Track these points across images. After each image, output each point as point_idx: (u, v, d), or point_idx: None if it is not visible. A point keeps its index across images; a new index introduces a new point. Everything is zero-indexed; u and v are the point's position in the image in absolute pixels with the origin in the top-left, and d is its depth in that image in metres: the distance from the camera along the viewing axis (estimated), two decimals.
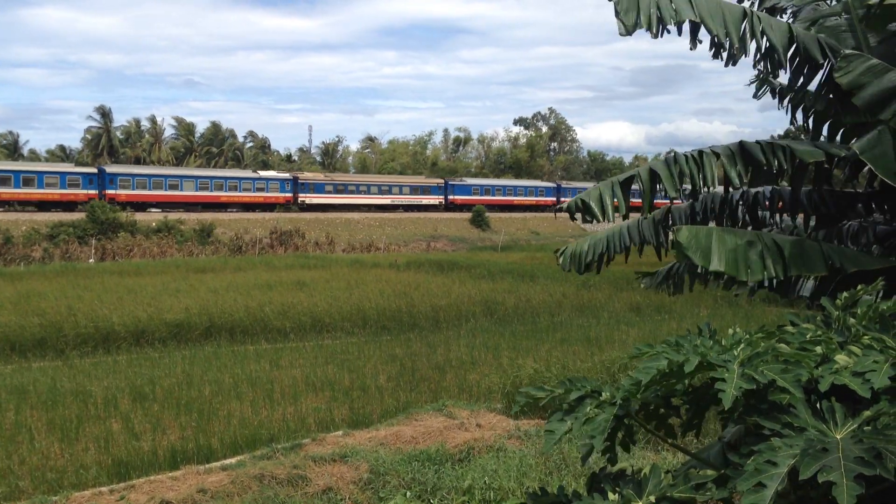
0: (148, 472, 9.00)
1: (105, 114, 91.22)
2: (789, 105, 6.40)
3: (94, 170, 61.73)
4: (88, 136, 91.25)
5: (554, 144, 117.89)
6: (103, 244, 46.10)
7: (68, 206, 56.46)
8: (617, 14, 4.95)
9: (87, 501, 7.94)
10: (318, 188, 69.30)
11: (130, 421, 11.36)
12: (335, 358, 16.28)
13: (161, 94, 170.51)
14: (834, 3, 6.23)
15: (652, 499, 2.78)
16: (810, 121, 6.26)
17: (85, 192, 57.44)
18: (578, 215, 5.71)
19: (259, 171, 71.57)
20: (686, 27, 5.09)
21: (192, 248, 48.00)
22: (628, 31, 4.95)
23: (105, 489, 8.29)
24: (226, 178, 66.07)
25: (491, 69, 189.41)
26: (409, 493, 7.98)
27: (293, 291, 24.84)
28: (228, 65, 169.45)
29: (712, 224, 6.14)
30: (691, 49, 5.35)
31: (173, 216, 54.46)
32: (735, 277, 4.64)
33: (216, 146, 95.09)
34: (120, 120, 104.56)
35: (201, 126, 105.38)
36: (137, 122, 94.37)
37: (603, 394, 3.15)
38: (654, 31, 4.98)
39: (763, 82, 6.73)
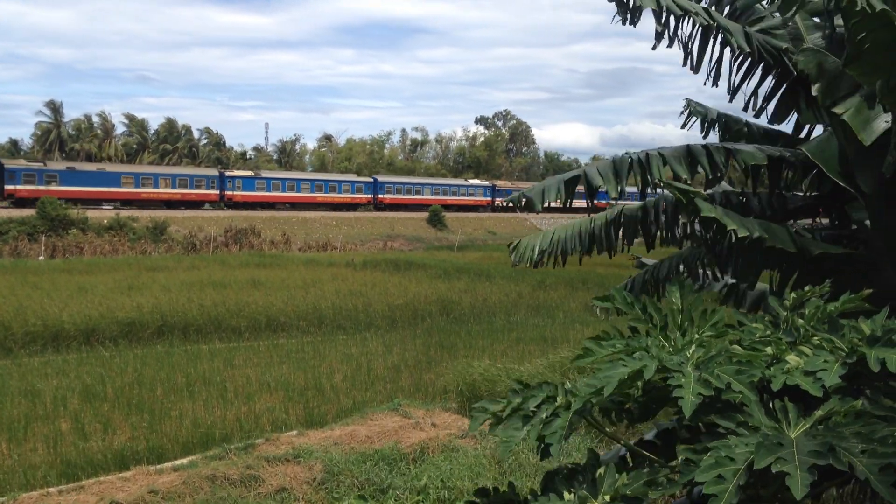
0: (98, 473, 8.87)
1: (56, 109, 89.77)
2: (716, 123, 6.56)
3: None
4: (39, 132, 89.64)
5: (513, 146, 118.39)
6: (54, 241, 45.28)
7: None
8: None
9: (36, 502, 7.79)
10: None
11: (80, 421, 11.18)
12: (290, 357, 16.19)
13: (113, 89, 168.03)
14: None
15: (607, 498, 2.80)
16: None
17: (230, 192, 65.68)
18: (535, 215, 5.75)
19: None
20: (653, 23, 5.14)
21: (145, 245, 47.32)
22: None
23: (54, 490, 8.15)
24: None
25: (448, 69, 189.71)
26: (362, 493, 7.95)
27: (248, 290, 24.65)
28: (183, 61, 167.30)
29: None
30: (653, 49, 5.41)
31: (125, 213, 53.67)
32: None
33: (171, 143, 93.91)
34: (72, 115, 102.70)
35: (155, 122, 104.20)
36: (89, 117, 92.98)
37: (558, 398, 3.16)
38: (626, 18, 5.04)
39: (692, 113, 6.84)
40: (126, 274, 29.26)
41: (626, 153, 5.43)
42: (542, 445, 3.03)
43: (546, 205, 5.58)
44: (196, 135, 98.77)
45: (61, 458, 9.50)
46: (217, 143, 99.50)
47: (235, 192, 66.89)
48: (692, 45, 5.60)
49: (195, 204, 64.98)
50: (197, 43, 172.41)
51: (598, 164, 5.61)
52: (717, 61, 5.84)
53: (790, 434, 2.60)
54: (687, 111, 6.81)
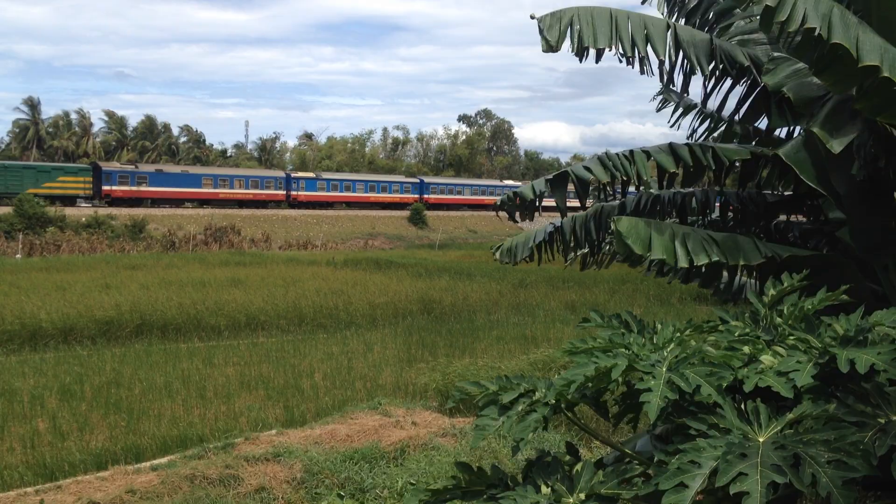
0: (75, 473, 8.81)
1: (33, 105, 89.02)
2: (699, 116, 6.60)
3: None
4: (16, 129, 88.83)
5: (493, 144, 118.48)
6: (31, 239, 44.91)
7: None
8: (540, 31, 5.00)
9: (13, 502, 7.73)
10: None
11: (58, 420, 11.10)
12: (270, 356, 16.13)
13: (91, 86, 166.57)
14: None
15: (582, 496, 2.81)
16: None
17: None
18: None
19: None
20: (610, 45, 5.15)
21: (124, 243, 47.05)
22: (551, 47, 5.00)
23: (31, 489, 8.09)
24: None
25: (429, 67, 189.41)
26: (342, 492, 7.94)
27: (228, 289, 24.53)
28: (161, 57, 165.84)
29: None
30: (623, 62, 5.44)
31: (103, 211, 53.30)
32: (674, 265, 4.69)
33: (150, 140, 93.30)
34: (49, 112, 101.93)
35: (134, 119, 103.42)
36: (67, 114, 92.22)
37: (537, 392, 3.17)
38: (576, 51, 5.05)
39: (667, 99, 6.88)
40: (104, 272, 29.07)
41: (605, 151, 5.46)
42: (517, 445, 3.04)
43: (539, 204, 5.59)
44: (175, 132, 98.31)
45: (38, 458, 9.42)
46: (197, 140, 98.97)
47: (300, 193, 70.36)
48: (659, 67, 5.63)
49: (264, 203, 68.18)
50: (175, 39, 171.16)
51: (586, 161, 5.64)
52: (686, 74, 5.89)
53: (759, 438, 2.60)
54: (661, 98, 6.85)
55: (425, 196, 78.28)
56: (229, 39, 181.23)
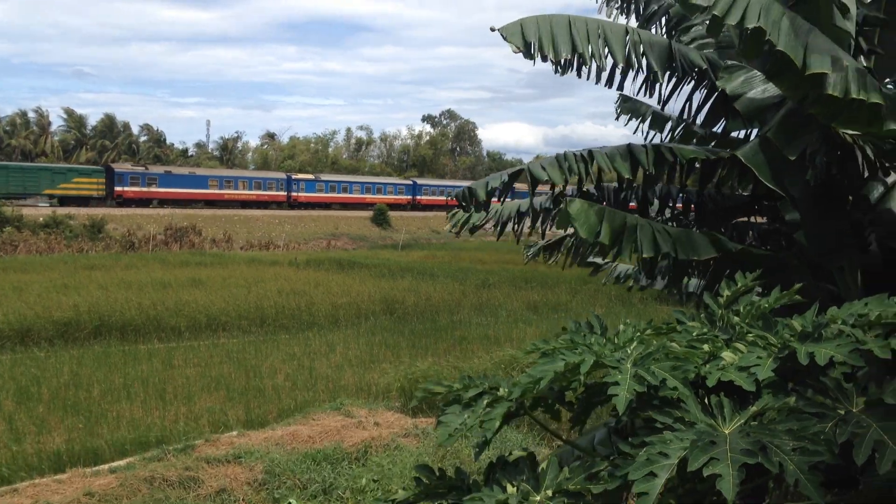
0: (32, 476, 8.68)
1: None
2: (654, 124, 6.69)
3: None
4: None
5: (457, 145, 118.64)
6: None
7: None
8: (504, 39, 5.05)
9: None
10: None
11: (14, 422, 10.93)
12: (231, 357, 16.02)
13: (50, 84, 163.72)
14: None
15: (549, 493, 2.83)
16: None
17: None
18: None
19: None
20: (570, 54, 5.19)
21: (82, 244, 46.37)
22: (520, 51, 5.05)
23: None
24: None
25: (392, 67, 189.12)
26: (303, 494, 7.91)
27: (188, 289, 24.31)
28: (122, 56, 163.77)
29: None
30: (580, 76, 5.49)
31: (62, 211, 52.50)
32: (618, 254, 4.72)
33: (110, 140, 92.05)
34: (6, 110, 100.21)
35: (94, 118, 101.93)
36: (24, 112, 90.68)
37: (500, 390, 3.19)
38: (542, 56, 5.09)
39: (626, 105, 6.95)
40: (62, 272, 28.67)
41: (563, 152, 5.49)
42: (478, 448, 3.05)
43: (490, 199, 5.61)
44: (136, 131, 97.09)
45: None
46: (158, 139, 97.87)
47: (300, 194, 71.66)
48: (618, 74, 5.69)
49: (266, 204, 69.39)
50: (136, 38, 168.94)
51: (542, 160, 5.67)
52: (645, 79, 5.95)
53: (724, 430, 2.65)
54: (619, 107, 6.92)
55: (418, 197, 79.95)
56: (191, 38, 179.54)
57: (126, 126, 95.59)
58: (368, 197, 76.22)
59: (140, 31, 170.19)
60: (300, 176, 75.03)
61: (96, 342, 18.23)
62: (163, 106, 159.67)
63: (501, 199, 5.71)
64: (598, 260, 7.77)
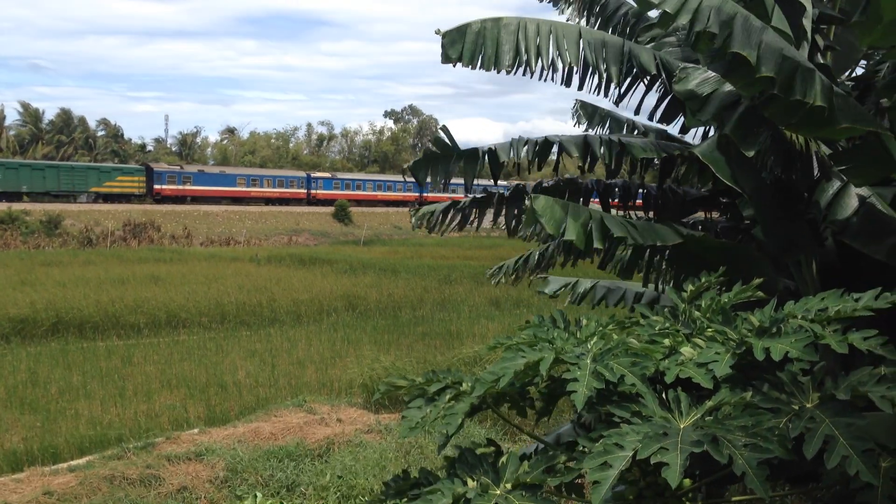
0: None
1: None
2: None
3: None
4: None
5: (418, 141, 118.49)
6: None
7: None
8: (443, 47, 4.98)
9: None
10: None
11: None
12: (191, 354, 15.89)
13: (5, 77, 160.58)
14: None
15: (508, 486, 2.86)
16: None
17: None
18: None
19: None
20: (512, 64, 5.16)
21: (39, 240, 45.67)
22: (450, 61, 4.99)
23: None
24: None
25: (353, 62, 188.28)
26: (266, 491, 7.88)
27: (147, 286, 24.08)
28: (78, 49, 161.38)
29: None
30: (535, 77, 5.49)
31: (18, 206, 51.59)
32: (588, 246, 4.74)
33: (66, 134, 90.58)
34: None
35: (50, 112, 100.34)
36: None
37: (463, 384, 3.21)
38: (481, 67, 5.06)
39: (583, 111, 7.01)
40: (18, 269, 28.23)
41: (518, 137, 5.52)
42: (443, 441, 3.07)
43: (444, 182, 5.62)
44: (93, 125, 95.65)
45: None
46: (115, 134, 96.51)
47: (318, 191, 74.62)
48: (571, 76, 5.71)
49: (287, 201, 72.68)
50: (93, 31, 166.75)
51: (497, 143, 5.69)
52: (601, 80, 6.00)
53: (680, 424, 2.69)
54: (575, 113, 6.97)
55: (425, 195, 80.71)
56: (148, 31, 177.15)
57: (83, 121, 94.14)
58: (380, 194, 79.24)
59: (96, 24, 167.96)
60: (318, 174, 78.29)
61: (54, 339, 17.99)
62: (120, 100, 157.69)
63: (468, 187, 5.71)
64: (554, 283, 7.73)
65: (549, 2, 7.24)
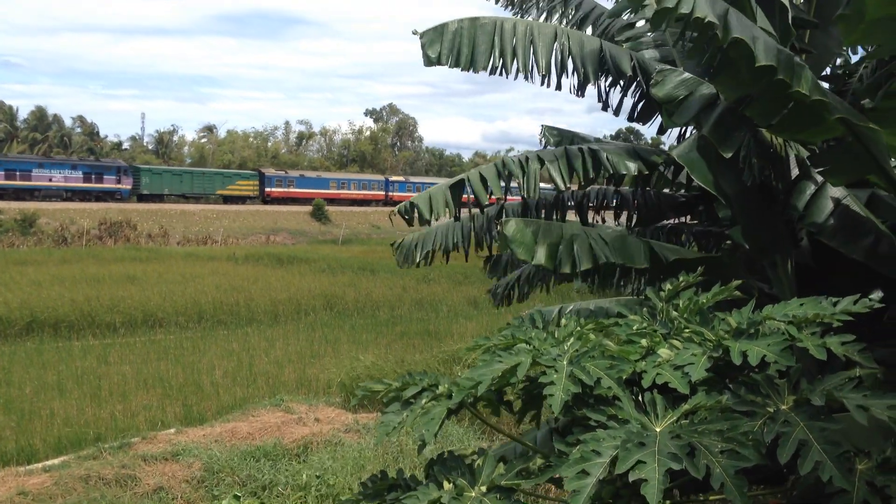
0: None
1: None
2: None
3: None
4: None
5: (397, 141, 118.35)
6: None
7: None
8: (423, 47, 4.99)
9: None
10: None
11: None
12: (168, 354, 15.80)
13: None
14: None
15: (483, 488, 2.85)
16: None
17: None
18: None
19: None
20: (487, 64, 5.16)
21: (13, 238, 45.19)
22: (431, 63, 5.00)
23: None
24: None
25: (332, 61, 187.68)
26: (243, 491, 7.85)
27: (123, 285, 23.92)
28: (53, 46, 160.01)
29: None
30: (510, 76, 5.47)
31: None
32: (557, 271, 4.76)
33: (41, 132, 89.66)
34: None
35: (25, 110, 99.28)
36: None
37: (440, 387, 3.20)
38: (459, 67, 5.07)
39: (550, 135, 7.03)
40: None
41: (510, 149, 5.52)
42: (422, 445, 3.06)
43: (436, 218, 5.59)
44: (68, 123, 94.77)
45: None
46: (91, 132, 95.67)
47: (394, 193, 79.93)
48: (547, 77, 5.72)
49: (369, 202, 78.97)
50: (68, 28, 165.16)
51: (482, 167, 5.67)
52: (578, 81, 6.02)
53: (656, 428, 2.67)
54: (542, 138, 6.98)
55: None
56: (125, 29, 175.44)
57: (58, 118, 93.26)
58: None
59: (71, 21, 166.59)
60: (395, 178, 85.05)
61: (28, 339, 17.87)
62: (95, 98, 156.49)
63: (455, 216, 5.70)
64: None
65: (505, 5, 7.18)
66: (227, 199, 70.34)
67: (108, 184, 63.20)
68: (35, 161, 62.43)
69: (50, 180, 60.35)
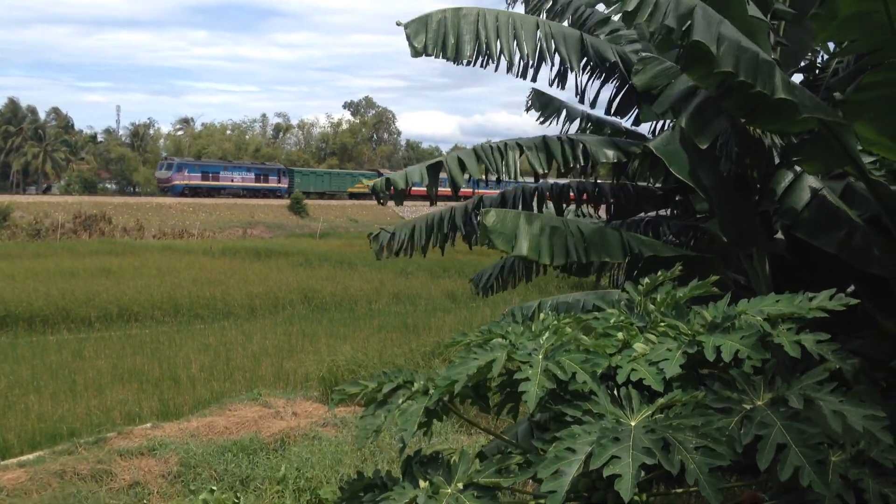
0: None
1: None
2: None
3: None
4: None
5: (375, 134, 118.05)
6: None
7: None
8: (408, 38, 4.99)
9: None
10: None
11: None
12: (144, 348, 15.69)
13: None
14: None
15: (460, 485, 2.83)
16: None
17: None
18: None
19: None
20: (473, 53, 5.17)
21: None
22: (418, 53, 5.01)
23: None
24: None
25: (307, 54, 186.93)
26: (220, 485, 7.81)
27: (98, 279, 23.75)
28: (26, 38, 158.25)
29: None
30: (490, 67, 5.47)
31: None
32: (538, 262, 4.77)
33: (15, 125, 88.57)
34: None
35: None
36: None
37: (415, 384, 3.18)
38: (445, 57, 5.08)
39: (538, 100, 7.04)
40: None
41: (487, 141, 5.52)
42: (402, 444, 3.05)
43: (408, 191, 5.61)
44: (42, 116, 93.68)
45: None
46: (66, 125, 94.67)
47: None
48: (529, 67, 5.72)
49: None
50: (41, 20, 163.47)
51: (461, 152, 5.67)
52: (559, 72, 6.03)
53: (631, 422, 2.66)
54: (530, 102, 6.98)
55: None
56: (97, 21, 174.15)
57: (32, 111, 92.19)
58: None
59: (43, 12, 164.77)
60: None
61: (2, 333, 17.73)
62: (69, 90, 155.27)
63: (431, 190, 5.68)
64: None
65: None
66: (354, 196, 75.27)
67: (272, 183, 73.36)
68: (221, 165, 73.45)
69: (232, 181, 71.17)
